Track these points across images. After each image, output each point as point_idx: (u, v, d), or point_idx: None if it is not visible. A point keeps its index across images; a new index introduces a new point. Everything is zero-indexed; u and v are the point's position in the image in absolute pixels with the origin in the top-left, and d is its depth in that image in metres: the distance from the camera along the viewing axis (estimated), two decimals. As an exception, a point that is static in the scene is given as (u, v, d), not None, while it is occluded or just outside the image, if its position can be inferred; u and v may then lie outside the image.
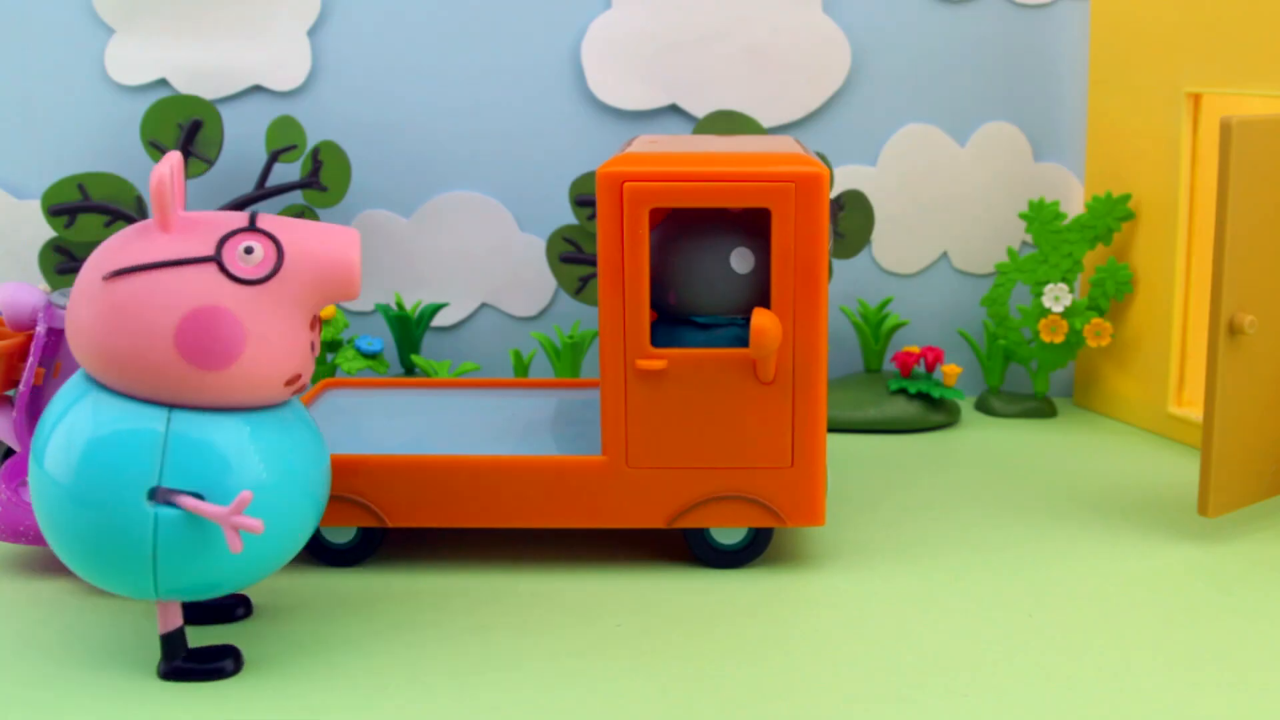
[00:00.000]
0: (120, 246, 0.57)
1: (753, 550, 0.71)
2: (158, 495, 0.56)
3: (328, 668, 0.60)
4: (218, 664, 0.59)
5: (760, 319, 0.65)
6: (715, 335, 0.70)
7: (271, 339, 0.57)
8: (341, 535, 0.72)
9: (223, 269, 0.56)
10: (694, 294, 0.70)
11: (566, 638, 0.63)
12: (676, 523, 0.70)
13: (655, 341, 0.70)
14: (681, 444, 0.69)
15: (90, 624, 0.65)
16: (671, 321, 0.71)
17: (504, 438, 0.74)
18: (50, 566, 0.71)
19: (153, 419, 0.56)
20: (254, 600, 0.67)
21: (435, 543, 0.75)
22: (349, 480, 0.70)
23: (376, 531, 0.72)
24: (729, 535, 0.71)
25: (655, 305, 0.71)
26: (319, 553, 0.72)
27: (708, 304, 0.70)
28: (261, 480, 0.57)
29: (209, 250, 0.56)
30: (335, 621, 0.65)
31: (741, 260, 0.69)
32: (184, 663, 0.59)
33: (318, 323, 0.59)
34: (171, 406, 0.57)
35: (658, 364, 0.68)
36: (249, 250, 0.56)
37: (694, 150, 0.70)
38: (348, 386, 0.85)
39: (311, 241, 0.58)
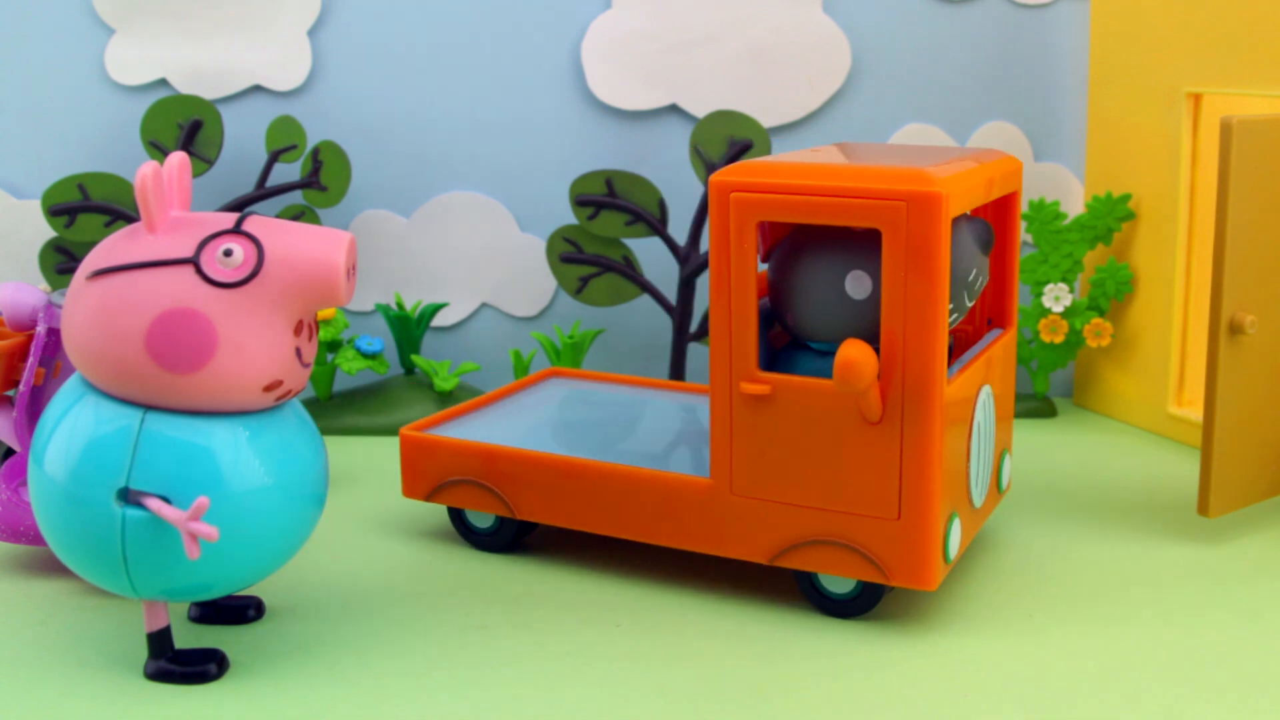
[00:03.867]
0: (108, 247, 0.57)
1: (863, 603, 0.65)
2: (128, 496, 0.56)
3: (328, 668, 0.60)
4: (202, 667, 0.59)
5: (848, 351, 0.58)
6: (829, 364, 0.64)
7: (247, 343, 0.55)
8: (482, 520, 0.73)
9: (199, 271, 0.55)
10: (808, 317, 0.64)
11: (566, 638, 0.63)
12: (778, 561, 0.64)
13: (769, 365, 0.65)
14: (786, 477, 0.64)
15: (90, 624, 0.65)
16: (792, 345, 0.67)
17: (659, 445, 0.73)
18: (50, 566, 0.71)
19: (127, 419, 0.56)
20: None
21: (435, 543, 0.75)
22: (489, 468, 0.71)
23: (515, 521, 0.72)
24: (838, 583, 0.65)
25: (781, 325, 0.67)
26: (466, 533, 0.74)
27: (821, 329, 0.64)
28: (239, 486, 0.56)
29: (188, 252, 0.56)
30: (335, 621, 0.65)
31: (857, 284, 0.63)
32: (169, 663, 0.59)
33: (306, 327, 0.58)
34: (148, 408, 0.56)
35: (761, 389, 0.63)
36: (228, 253, 0.56)
37: (830, 160, 0.64)
38: (570, 376, 0.86)
39: (295, 245, 0.56)
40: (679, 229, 0.99)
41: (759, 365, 0.63)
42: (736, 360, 0.63)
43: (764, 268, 0.68)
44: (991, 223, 0.72)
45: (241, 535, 0.56)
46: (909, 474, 0.61)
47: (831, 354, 0.64)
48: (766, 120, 0.99)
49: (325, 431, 0.95)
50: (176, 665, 0.59)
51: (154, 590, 0.57)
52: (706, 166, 0.94)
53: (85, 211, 0.93)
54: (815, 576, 0.65)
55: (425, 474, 0.73)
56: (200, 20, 0.98)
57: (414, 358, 0.98)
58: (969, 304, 0.65)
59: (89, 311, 0.56)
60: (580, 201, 0.95)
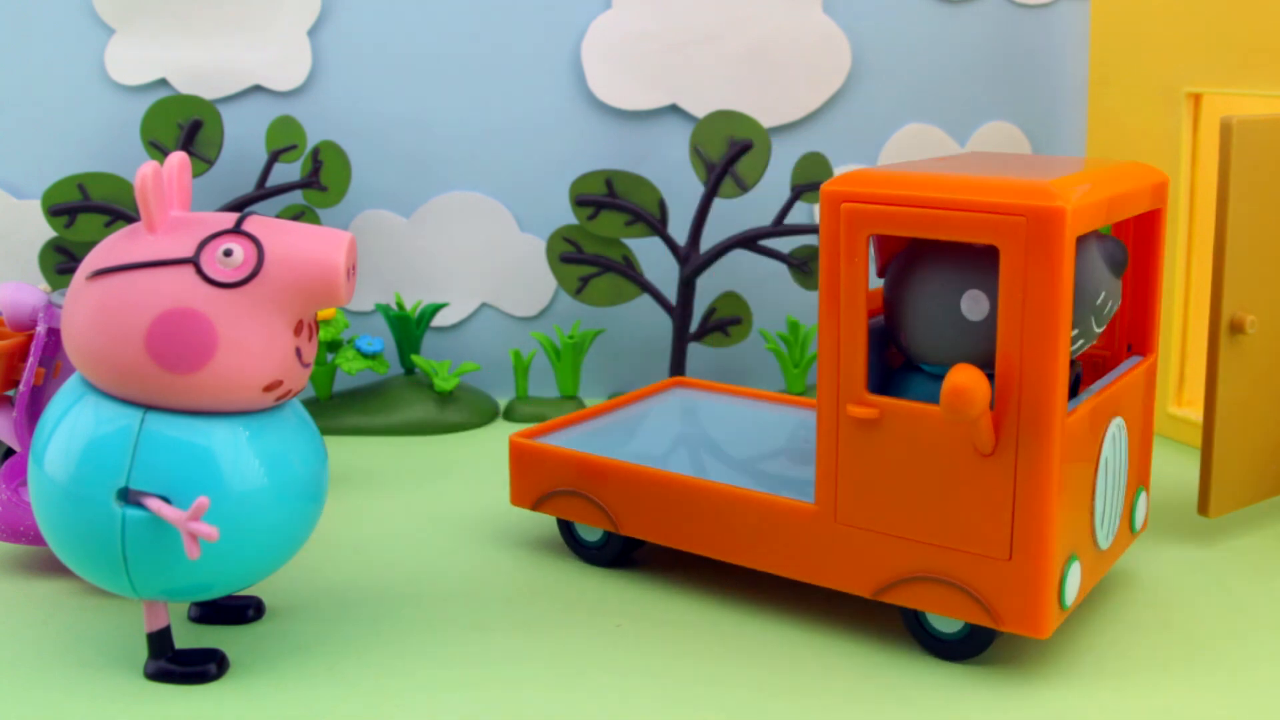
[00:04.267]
0: (108, 247, 0.57)
1: (972, 646, 0.60)
2: (128, 496, 0.56)
3: (328, 668, 0.60)
4: (202, 667, 0.59)
5: (957, 376, 0.54)
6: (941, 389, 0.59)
7: (248, 343, 0.55)
8: (591, 533, 0.71)
9: (199, 271, 0.55)
10: (920, 338, 0.60)
11: (566, 638, 0.63)
12: (882, 595, 0.61)
13: (882, 386, 0.62)
14: (893, 507, 0.60)
15: (90, 624, 0.65)
16: (906, 366, 0.63)
17: (769, 465, 0.69)
18: (50, 566, 0.71)
19: (127, 419, 0.56)
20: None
21: (434, 542, 0.75)
22: (595, 482, 0.69)
23: (621, 536, 0.70)
24: (946, 623, 0.61)
25: (895, 345, 0.63)
26: (574, 546, 0.72)
27: (934, 351, 0.60)
28: (239, 486, 0.56)
29: (188, 252, 0.56)
30: (335, 621, 0.65)
31: (974, 305, 0.59)
32: (168, 663, 0.59)
33: (306, 328, 0.58)
34: (148, 408, 0.56)
35: (869, 413, 0.59)
36: (228, 253, 0.56)
37: (948, 169, 0.60)
38: (693, 387, 0.83)
39: (295, 245, 0.56)
40: (679, 229, 0.99)
41: (869, 387, 0.60)
42: (844, 381, 0.59)
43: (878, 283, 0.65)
44: (1129, 241, 0.68)
45: (241, 535, 0.56)
46: (1022, 511, 0.57)
47: (943, 378, 0.60)
48: (766, 120, 0.99)
49: (325, 431, 0.95)
50: (176, 665, 0.59)
51: (154, 590, 0.57)
52: (706, 166, 0.94)
53: (85, 211, 0.93)
54: (922, 614, 0.61)
55: (532, 482, 0.72)
56: (200, 20, 0.98)
57: (414, 358, 0.98)
58: (1097, 329, 0.61)
59: (89, 311, 0.56)
60: (580, 201, 0.95)
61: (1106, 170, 0.61)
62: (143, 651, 0.62)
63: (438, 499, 0.82)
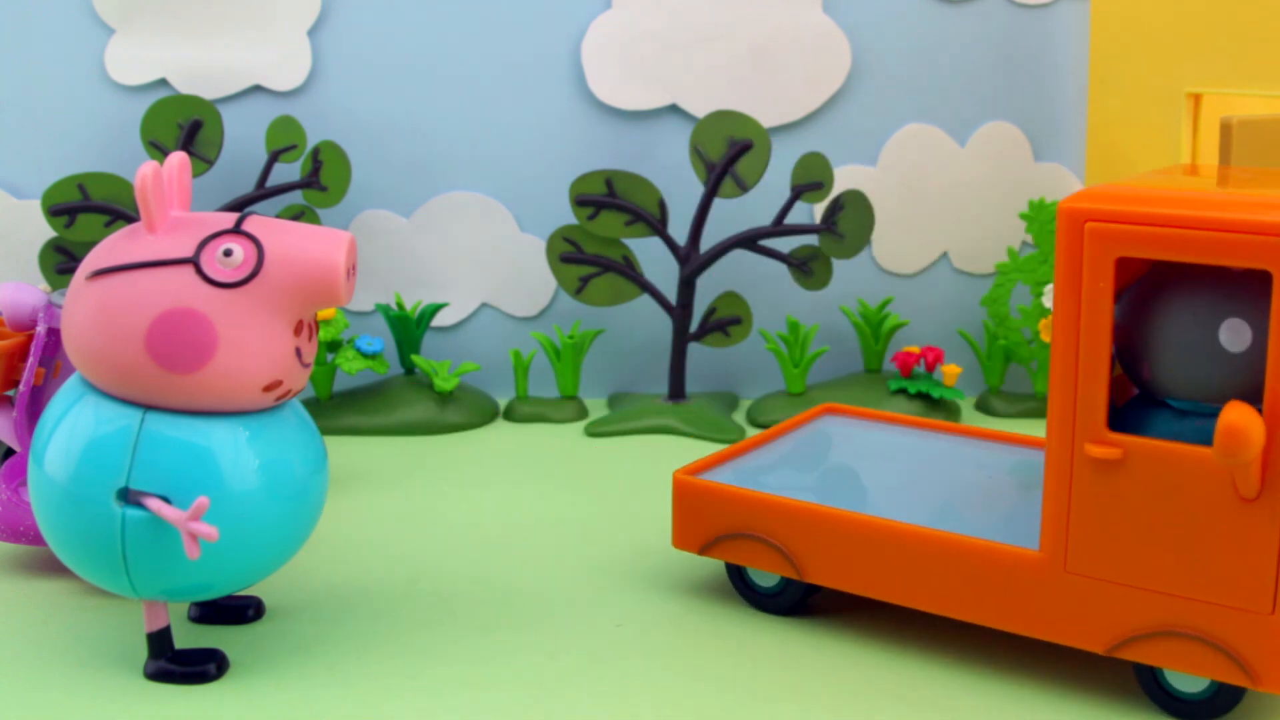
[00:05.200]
0: (108, 247, 0.57)
1: (1218, 705, 0.56)
2: (128, 496, 0.56)
3: (328, 668, 0.60)
4: (201, 667, 0.59)
5: (1234, 416, 0.50)
6: (1192, 427, 0.56)
7: (248, 343, 0.55)
8: (766, 579, 0.66)
9: (199, 271, 0.55)
10: (1170, 371, 0.55)
11: (566, 638, 0.63)
12: (1117, 651, 0.56)
13: (1117, 424, 0.56)
14: (1134, 556, 0.55)
15: (90, 624, 0.65)
16: (1144, 401, 0.58)
17: (966, 506, 0.64)
18: (50, 566, 0.71)
19: (127, 419, 0.56)
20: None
21: (433, 542, 0.75)
22: (773, 523, 0.63)
23: (802, 583, 0.64)
24: (1189, 681, 0.56)
25: (1130, 377, 0.58)
26: (746, 592, 0.66)
27: (1187, 386, 0.55)
28: (239, 486, 0.56)
29: (188, 252, 0.56)
30: (335, 621, 0.65)
31: (1234, 335, 0.54)
32: (168, 663, 0.59)
33: (306, 328, 0.58)
34: (148, 408, 0.56)
35: (1111, 452, 0.54)
36: (228, 253, 0.56)
37: (1207, 185, 0.56)
38: (845, 415, 0.77)
39: (295, 245, 0.56)
40: (679, 229, 0.99)
41: (1106, 425, 0.55)
42: (1081, 417, 0.54)
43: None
44: None
45: (241, 535, 0.56)
46: None
47: (1194, 414, 0.56)
48: (766, 120, 0.99)
49: (325, 431, 0.95)
50: (176, 665, 0.59)
51: (154, 590, 0.57)
52: (706, 166, 0.94)
53: (85, 211, 0.93)
54: (1160, 671, 0.56)
55: (700, 524, 0.66)
56: (200, 20, 0.98)
57: (414, 358, 0.98)
58: None
59: (89, 311, 0.56)
60: (580, 201, 0.95)
61: None
62: (143, 651, 0.62)
63: (438, 499, 0.82)
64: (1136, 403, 0.58)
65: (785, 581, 0.65)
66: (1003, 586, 0.58)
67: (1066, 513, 0.56)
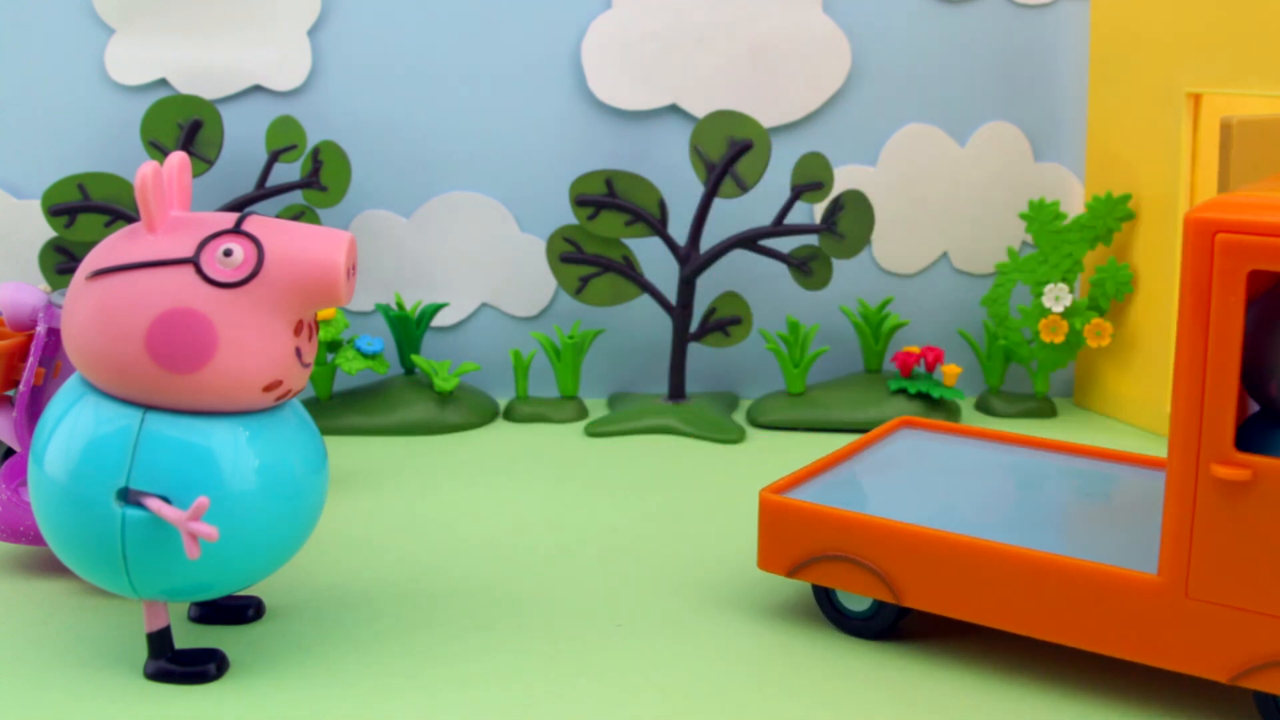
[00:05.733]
0: (108, 247, 0.57)
1: None
2: (128, 496, 0.56)
3: (327, 668, 0.60)
4: (201, 667, 0.59)
5: None
6: None
7: (247, 343, 0.55)
8: (857, 603, 0.63)
9: (199, 271, 0.55)
10: None
11: (566, 638, 0.63)
12: (1243, 680, 0.54)
13: (1244, 444, 0.54)
14: (1264, 581, 0.52)
15: (90, 624, 0.65)
16: (1268, 419, 0.56)
17: (1065, 523, 0.62)
18: (50, 566, 0.71)
19: (127, 419, 0.56)
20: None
21: (433, 542, 0.75)
22: (867, 544, 0.61)
23: (895, 606, 0.62)
24: None
25: (1253, 395, 0.56)
26: (834, 615, 0.64)
27: None
28: (239, 486, 0.56)
29: (188, 252, 0.56)
30: (335, 621, 0.65)
31: None
32: (168, 663, 0.59)
33: (306, 328, 0.58)
34: (148, 408, 0.56)
35: (1239, 473, 0.52)
36: (228, 253, 0.56)
37: None
38: (923, 428, 0.75)
39: (295, 245, 0.56)
40: (679, 229, 0.99)
41: (1234, 445, 0.53)
42: (1207, 437, 0.52)
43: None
44: None
45: (241, 535, 0.56)
46: None
47: None
48: (766, 120, 0.99)
49: (325, 431, 0.95)
50: (176, 665, 0.59)
51: (154, 590, 0.57)
52: (706, 166, 0.94)
53: (85, 211, 0.93)
54: None
55: (789, 546, 0.63)
56: (200, 20, 0.98)
57: (414, 358, 0.98)
58: None
59: (89, 311, 0.56)
60: (580, 201, 0.95)
61: None
62: (143, 651, 0.62)
63: (438, 499, 0.82)
64: (1259, 421, 0.56)
65: (878, 605, 0.62)
66: (1118, 612, 0.56)
67: (1189, 536, 0.53)
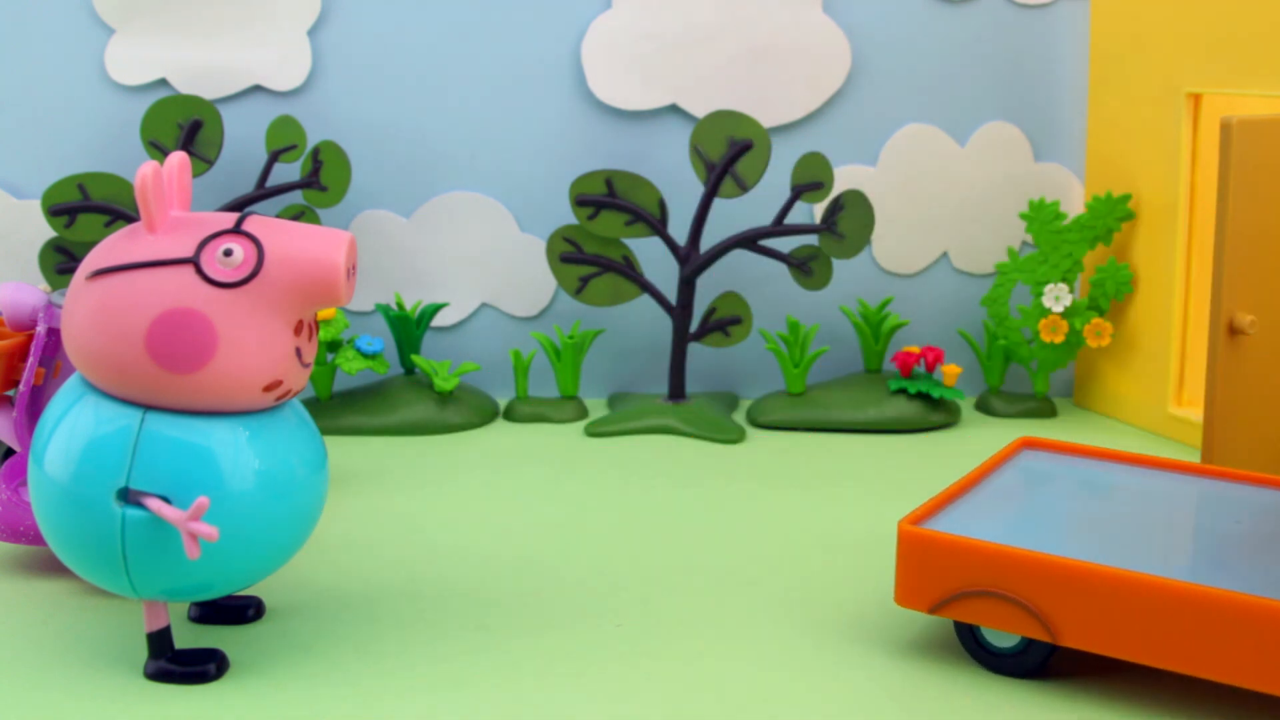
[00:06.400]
0: (108, 247, 0.57)
1: None
2: (128, 496, 0.56)
3: (327, 668, 0.60)
4: (201, 667, 0.59)
5: None
6: None
7: (247, 343, 0.55)
8: (1004, 639, 0.60)
9: (199, 271, 0.55)
10: None
11: (566, 637, 0.63)
12: None
13: None
14: None
15: (90, 624, 0.65)
16: None
17: (1229, 553, 0.59)
18: (50, 566, 0.71)
19: (127, 419, 0.56)
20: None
21: (433, 542, 0.75)
22: (1017, 578, 0.57)
23: (1047, 644, 0.59)
24: None
25: None
26: (978, 653, 0.60)
27: None
28: (239, 486, 0.56)
29: (188, 252, 0.56)
30: (335, 621, 0.65)
31: None
32: (168, 663, 0.59)
33: (306, 328, 0.58)
34: (148, 408, 0.56)
35: None
36: (228, 253, 0.56)
37: None
38: (1044, 449, 0.72)
39: (295, 245, 0.56)
40: (679, 229, 0.99)
41: None
42: None
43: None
44: None
45: (241, 535, 0.56)
46: None
47: None
48: (766, 120, 0.99)
49: (325, 431, 0.95)
50: (176, 665, 0.59)
51: (154, 590, 0.57)
52: (706, 166, 0.94)
53: (85, 211, 0.93)
54: None
55: (933, 581, 0.60)
56: (200, 20, 0.98)
57: (414, 358, 0.98)
58: None
59: (89, 311, 0.56)
60: (580, 201, 0.95)
61: None
62: (143, 651, 0.62)
63: (438, 499, 0.82)
64: None
65: (1028, 642, 0.59)
66: None
67: None
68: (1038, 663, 0.59)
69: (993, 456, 0.70)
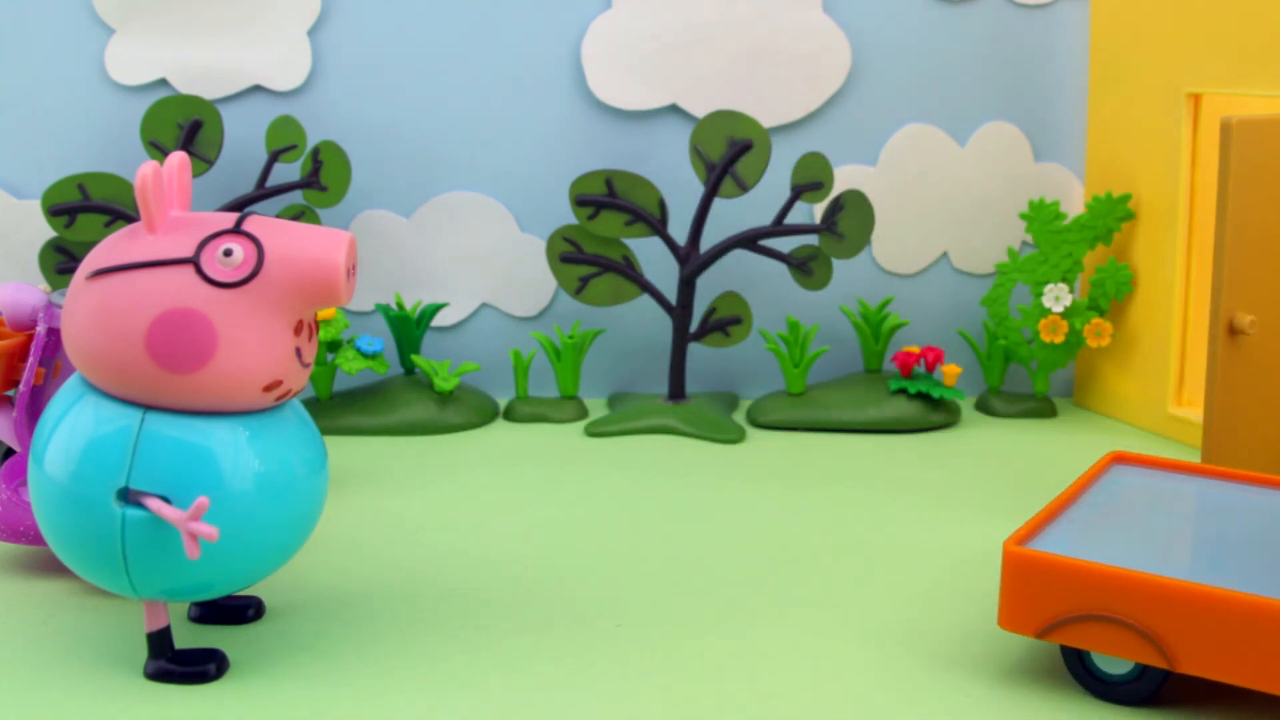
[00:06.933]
0: (108, 247, 0.57)
1: None
2: (128, 496, 0.56)
3: (327, 668, 0.60)
4: (201, 667, 0.59)
5: None
6: None
7: (247, 343, 0.55)
8: (1116, 665, 0.58)
9: (199, 271, 0.55)
10: None
11: (566, 637, 0.63)
12: None
13: None
14: None
15: (90, 624, 0.65)
16: None
17: None
18: (50, 566, 0.71)
19: (127, 419, 0.56)
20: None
21: (433, 542, 0.75)
22: (1133, 601, 0.55)
23: (1163, 671, 0.57)
24: None
25: None
26: (1086, 680, 0.58)
27: None
28: (239, 486, 0.56)
29: (188, 252, 0.56)
30: (335, 621, 0.65)
31: None
32: (168, 663, 0.59)
33: (306, 328, 0.58)
34: (148, 408, 0.56)
35: None
36: (228, 253, 0.56)
37: None
38: (1136, 464, 0.70)
39: (295, 245, 0.56)
40: (679, 229, 0.99)
41: None
42: None
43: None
44: None
45: (241, 535, 0.56)
46: None
47: None
48: (766, 120, 0.99)
49: (325, 431, 0.95)
50: (176, 665, 0.59)
51: (154, 590, 0.57)
52: (706, 166, 0.94)
53: (85, 211, 0.93)
54: None
55: (1042, 604, 0.57)
56: (200, 20, 0.98)
57: (414, 358, 0.98)
58: None
59: (89, 311, 0.56)
60: (580, 201, 0.95)
61: None
62: (143, 651, 0.62)
63: (438, 499, 0.82)
64: None
65: (1141, 669, 0.57)
66: None
67: None
68: (1151, 690, 0.57)
69: (1084, 473, 0.68)
